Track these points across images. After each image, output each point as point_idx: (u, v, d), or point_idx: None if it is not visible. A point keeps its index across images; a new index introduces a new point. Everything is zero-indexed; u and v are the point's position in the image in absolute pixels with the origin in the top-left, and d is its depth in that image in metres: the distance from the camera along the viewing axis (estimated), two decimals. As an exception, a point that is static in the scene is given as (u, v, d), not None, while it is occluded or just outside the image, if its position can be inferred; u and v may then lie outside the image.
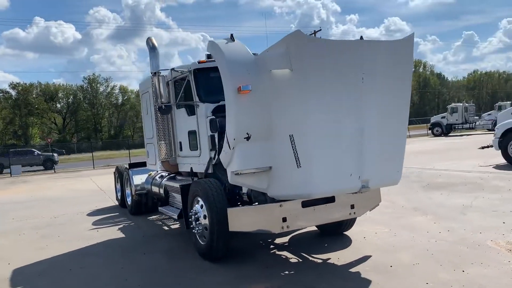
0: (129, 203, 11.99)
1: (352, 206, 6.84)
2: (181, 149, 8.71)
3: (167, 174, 9.97)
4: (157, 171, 10.77)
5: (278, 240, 8.12)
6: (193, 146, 8.16)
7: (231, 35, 6.16)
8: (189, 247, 7.88)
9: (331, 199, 6.63)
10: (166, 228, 10.01)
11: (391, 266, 6.18)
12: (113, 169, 13.99)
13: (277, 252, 7.43)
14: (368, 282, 5.70)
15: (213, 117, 7.45)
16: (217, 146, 7.44)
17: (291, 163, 5.57)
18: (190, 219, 7.39)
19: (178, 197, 8.82)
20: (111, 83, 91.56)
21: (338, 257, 6.78)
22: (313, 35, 41.69)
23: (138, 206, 11.49)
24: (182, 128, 8.57)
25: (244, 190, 6.76)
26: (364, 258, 6.64)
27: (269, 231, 6.34)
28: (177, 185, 8.35)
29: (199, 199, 7.16)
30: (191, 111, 8.11)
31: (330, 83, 5.25)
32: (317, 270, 6.35)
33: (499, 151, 16.33)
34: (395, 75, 5.65)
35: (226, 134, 5.94)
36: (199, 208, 7.09)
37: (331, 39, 5.37)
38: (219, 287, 5.95)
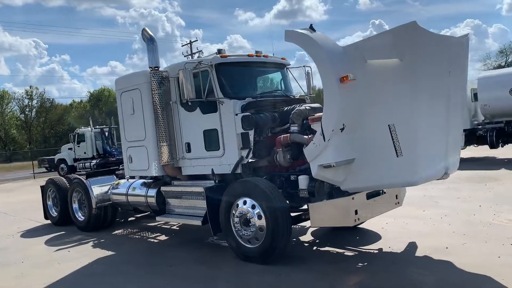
0: (80, 219, 10.46)
1: (397, 197, 7.22)
2: (188, 151, 8.03)
3: (152, 181, 9.05)
4: (128, 178, 9.71)
5: (302, 238, 8.04)
6: (213, 146, 7.62)
7: (311, 25, 6.01)
8: (219, 254, 7.36)
9: (382, 191, 6.90)
10: (154, 240, 9.04)
11: (446, 248, 6.68)
12: None
13: (320, 249, 7.37)
14: (447, 262, 6.07)
15: (248, 113, 7.12)
16: (251, 144, 7.11)
17: (387, 153, 5.66)
18: (232, 222, 6.90)
19: (184, 203, 8.12)
20: None
21: (388, 246, 7.05)
22: (189, 45, 41.56)
23: (98, 220, 10.12)
24: (191, 127, 7.93)
25: (303, 186, 6.56)
26: (413, 245, 7.03)
27: (345, 224, 6.33)
28: (198, 189, 7.66)
29: (247, 199, 6.73)
30: (208, 108, 7.56)
31: (431, 75, 5.53)
32: (385, 259, 6.53)
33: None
34: (462, 70, 6.21)
35: (322, 126, 5.76)
36: (250, 209, 6.67)
37: (432, 31, 5.64)
38: (314, 284, 5.69)
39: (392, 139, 5.59)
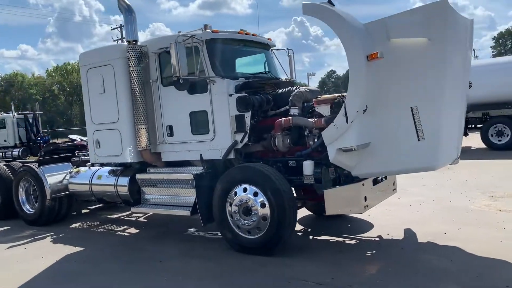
0: (28, 212, 9.26)
1: (393, 183, 7.11)
2: (170, 135, 7.31)
3: (121, 168, 8.18)
4: (90, 165, 8.73)
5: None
6: (201, 129, 7.01)
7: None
8: (209, 247, 6.86)
9: (381, 178, 6.73)
10: (124, 234, 8.21)
11: (445, 233, 6.67)
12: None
13: (317, 238, 7.07)
14: (456, 248, 6.02)
15: (244, 94, 6.60)
16: (247, 127, 6.61)
17: (407, 137, 5.45)
18: (227, 211, 6.38)
19: (165, 192, 7.40)
20: None
21: (387, 233, 6.91)
22: (119, 29, 39.41)
23: (52, 213, 9.01)
24: (175, 109, 7.23)
25: (309, 172, 6.16)
26: (410, 231, 6.96)
27: (356, 212, 6.08)
28: (185, 176, 6.97)
29: (248, 186, 6.23)
30: (196, 88, 6.91)
31: (455, 56, 5.40)
32: (391, 246, 6.38)
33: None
34: (470, 53, 6.18)
35: (346, 106, 5.39)
36: (251, 196, 6.17)
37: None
38: (333, 274, 5.35)
39: (414, 122, 5.39)
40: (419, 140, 5.40)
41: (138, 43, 7.39)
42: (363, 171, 5.87)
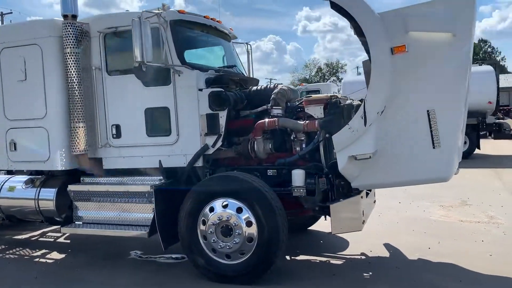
0: None
1: (374, 195, 6.52)
2: (117, 136, 5.90)
3: (42, 177, 6.48)
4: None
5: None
6: (160, 130, 5.77)
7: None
8: (169, 274, 5.63)
9: (369, 189, 6.08)
10: (46, 261, 6.46)
11: (429, 248, 6.23)
12: None
13: (295, 258, 6.15)
14: (452, 265, 5.59)
15: (220, 89, 5.52)
16: (222, 129, 5.53)
17: (420, 143, 4.84)
18: (199, 232, 5.23)
19: (108, 207, 5.95)
20: None
21: (370, 250, 6.27)
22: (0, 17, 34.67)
23: None
24: (126, 104, 5.90)
25: (299, 182, 5.24)
26: (391, 247, 6.43)
27: (356, 228, 5.27)
28: (140, 188, 5.59)
29: (230, 201, 5.13)
30: (154, 79, 5.62)
31: (471, 54, 4.94)
32: (383, 265, 5.74)
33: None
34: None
35: (365, 107, 4.57)
36: (233, 212, 5.08)
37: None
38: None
39: (430, 127, 4.79)
40: (434, 147, 4.81)
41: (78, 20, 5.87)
42: (366, 182, 5.13)
